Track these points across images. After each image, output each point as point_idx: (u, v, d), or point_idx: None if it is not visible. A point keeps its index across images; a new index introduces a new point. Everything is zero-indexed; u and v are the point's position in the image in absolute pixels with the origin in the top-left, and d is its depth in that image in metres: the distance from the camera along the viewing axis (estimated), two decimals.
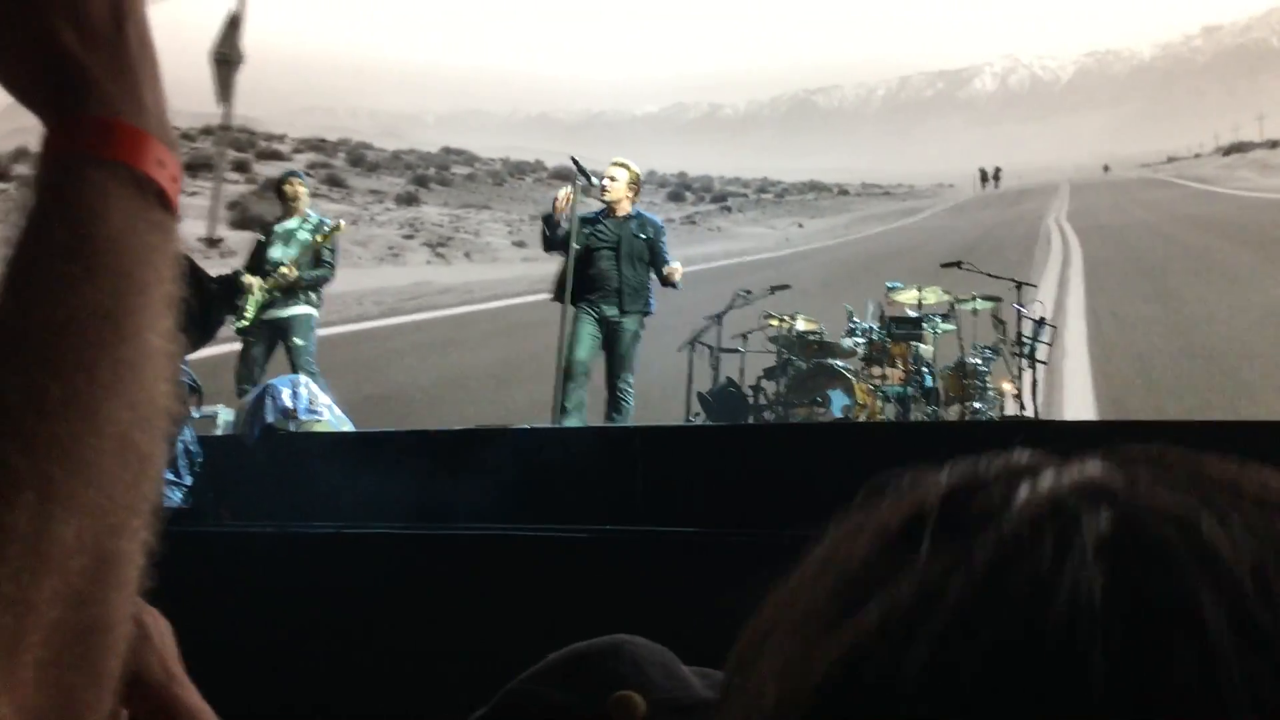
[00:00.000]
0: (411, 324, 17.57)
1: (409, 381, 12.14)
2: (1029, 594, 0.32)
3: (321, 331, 8.41)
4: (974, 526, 0.35)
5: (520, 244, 34.42)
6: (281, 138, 47.66)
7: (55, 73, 0.59)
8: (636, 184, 7.49)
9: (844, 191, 69.42)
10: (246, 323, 7.86)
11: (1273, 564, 0.32)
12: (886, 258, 25.52)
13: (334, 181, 39.89)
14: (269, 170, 37.80)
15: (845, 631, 0.34)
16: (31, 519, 0.49)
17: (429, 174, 45.78)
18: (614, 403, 7.29)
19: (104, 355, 0.54)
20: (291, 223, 8.15)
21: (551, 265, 7.54)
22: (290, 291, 7.95)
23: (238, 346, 8.00)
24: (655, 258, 7.33)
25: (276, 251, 8.02)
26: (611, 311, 7.22)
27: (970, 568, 0.33)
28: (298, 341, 7.89)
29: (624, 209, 7.35)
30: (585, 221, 7.32)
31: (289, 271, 7.88)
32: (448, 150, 57.96)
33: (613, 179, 7.33)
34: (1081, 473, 0.36)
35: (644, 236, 7.30)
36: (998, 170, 75.41)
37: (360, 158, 46.13)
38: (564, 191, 7.22)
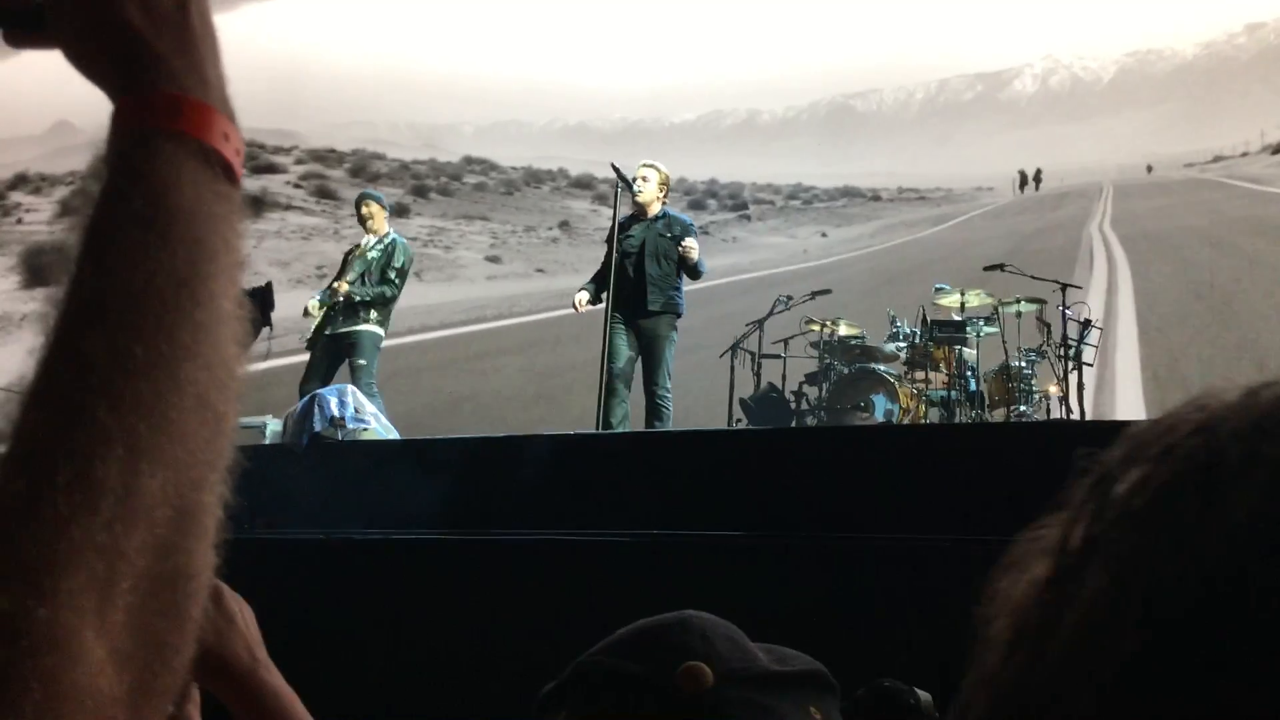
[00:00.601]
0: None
1: None
2: None
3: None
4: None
5: (494, 259, 33.44)
6: (289, 150, 47.58)
7: (124, 51, 0.61)
8: (666, 185, 7.54)
9: (876, 197, 67.79)
10: (309, 339, 7.99)
11: None
12: (905, 273, 23.81)
13: (324, 193, 39.32)
14: (265, 183, 38.00)
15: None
16: (121, 473, 0.52)
17: (431, 184, 45.06)
18: (653, 409, 7.28)
19: (182, 319, 0.56)
20: (368, 240, 8.26)
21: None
22: (352, 308, 8.01)
23: (290, 360, 8.09)
24: (685, 268, 7.34)
25: (353, 272, 8.13)
26: (640, 314, 7.23)
27: None
28: (360, 361, 7.90)
29: (654, 210, 7.40)
30: (620, 228, 7.35)
31: (340, 287, 7.98)
32: (469, 160, 57.93)
33: (644, 179, 7.38)
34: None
35: (670, 235, 7.30)
36: (1038, 172, 72.93)
37: (363, 168, 45.50)
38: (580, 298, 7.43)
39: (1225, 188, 47.62)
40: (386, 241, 8.24)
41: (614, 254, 7.15)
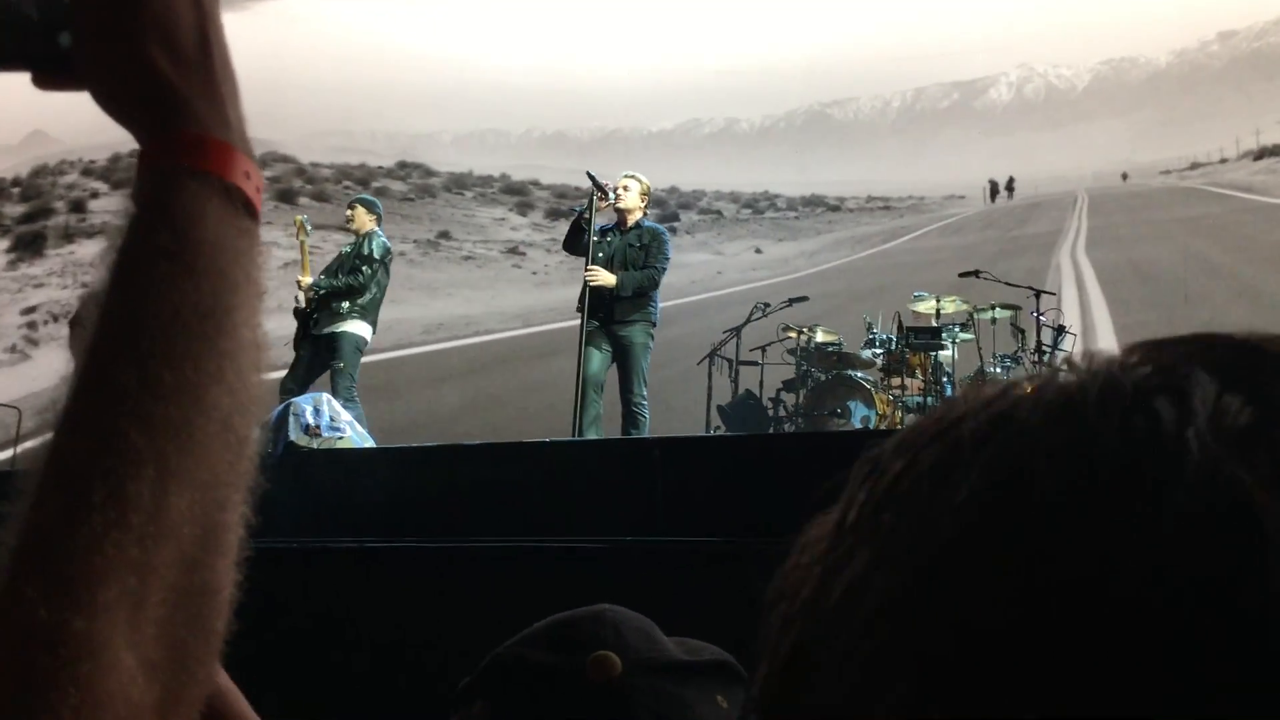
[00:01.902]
0: None
1: None
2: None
3: None
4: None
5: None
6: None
7: (150, 93, 0.65)
8: (648, 195, 7.60)
9: (836, 207, 66.28)
10: (294, 337, 7.95)
11: None
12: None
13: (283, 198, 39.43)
14: None
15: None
16: (152, 492, 0.55)
17: (332, 190, 44.29)
18: (629, 417, 7.32)
19: (207, 347, 0.60)
20: (346, 245, 8.33)
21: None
22: (328, 306, 7.95)
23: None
24: (648, 259, 7.38)
25: (325, 272, 8.16)
26: (617, 326, 7.27)
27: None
28: (339, 364, 7.85)
29: (633, 219, 7.45)
30: (605, 229, 7.44)
31: (303, 279, 7.95)
32: (403, 164, 57.66)
33: (625, 189, 7.43)
34: (1208, 408, 0.34)
35: (640, 245, 7.37)
36: (1011, 180, 71.72)
37: (279, 176, 44.99)
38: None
39: (1215, 198, 43.95)
40: (362, 236, 8.22)
41: (589, 262, 7.19)
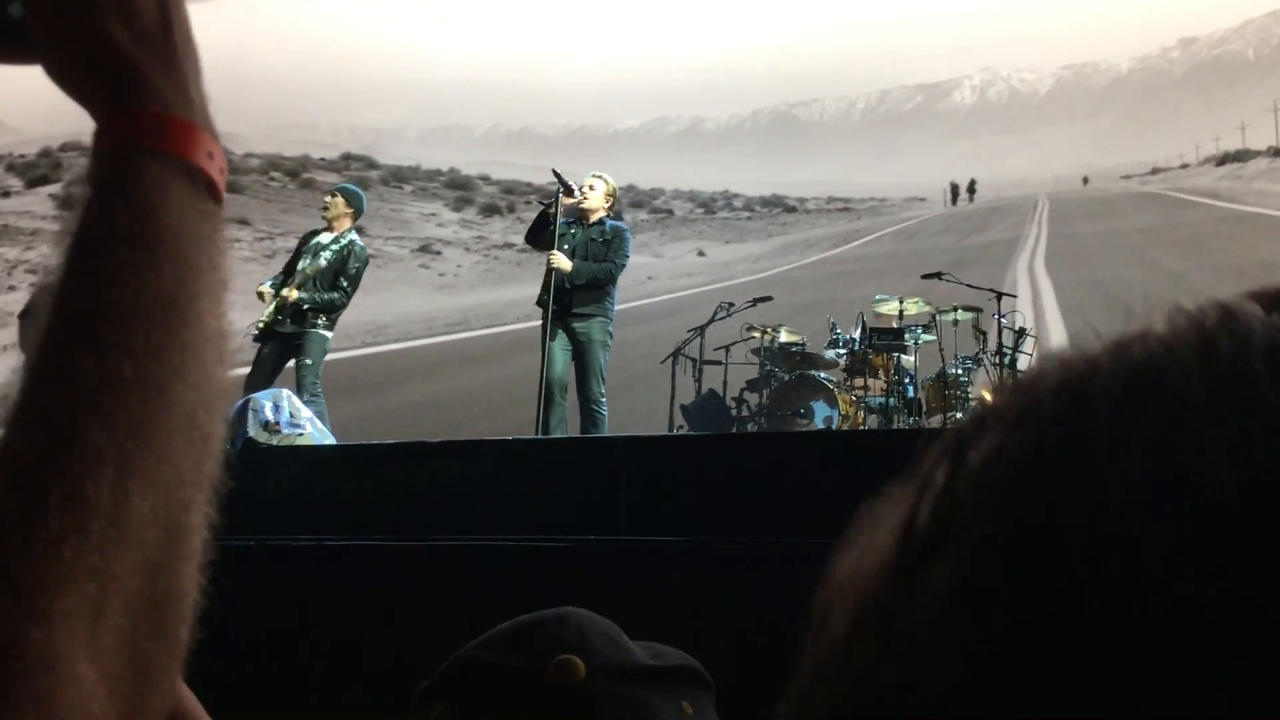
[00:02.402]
0: None
1: None
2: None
3: None
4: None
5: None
6: None
7: (109, 69, 0.61)
8: (614, 197, 7.73)
9: (792, 209, 65.08)
10: (259, 329, 7.81)
11: None
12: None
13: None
14: None
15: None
16: (112, 493, 0.52)
17: (255, 181, 43.66)
18: (588, 416, 7.40)
19: (170, 338, 0.56)
20: (325, 237, 8.12)
21: None
22: (300, 315, 7.89)
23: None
24: (608, 255, 7.47)
25: (303, 262, 7.99)
26: (577, 324, 7.36)
27: None
28: (306, 361, 7.83)
29: (595, 218, 7.56)
30: (567, 223, 7.53)
31: (289, 294, 7.84)
32: (347, 156, 57.06)
33: (591, 188, 7.54)
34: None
35: (602, 240, 7.47)
36: (973, 183, 71.86)
37: None
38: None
39: (1186, 205, 41.36)
40: (343, 244, 8.08)
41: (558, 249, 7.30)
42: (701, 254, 40.61)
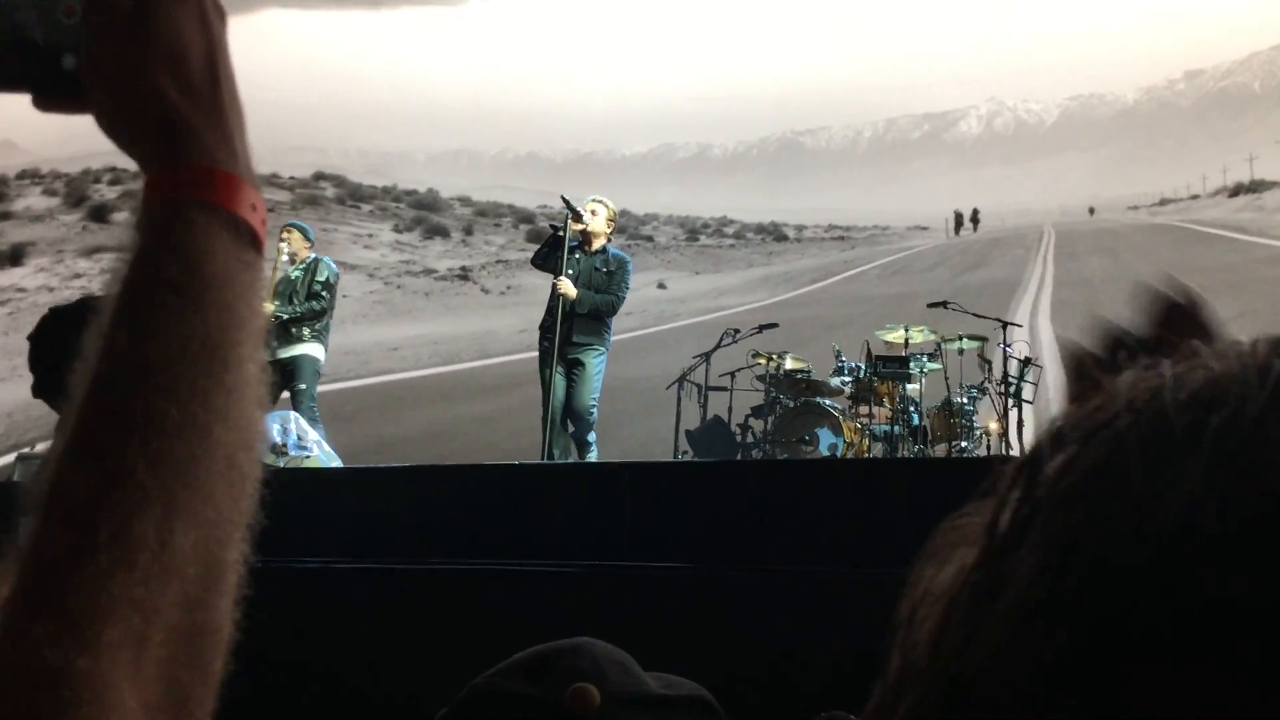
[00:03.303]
0: None
1: None
2: None
3: None
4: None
5: None
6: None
7: (159, 125, 0.64)
8: (614, 221, 7.80)
9: (781, 237, 62.73)
10: None
11: None
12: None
13: (95, 215, 38.71)
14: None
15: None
16: (157, 531, 0.55)
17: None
18: (580, 422, 7.48)
19: (214, 383, 0.59)
20: (288, 267, 8.35)
21: None
22: (286, 331, 8.03)
23: None
24: (611, 285, 7.55)
25: (274, 299, 8.17)
26: (572, 350, 7.42)
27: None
28: (300, 386, 7.98)
29: (598, 243, 7.63)
30: (571, 250, 7.57)
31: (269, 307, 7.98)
32: (320, 175, 56.78)
33: (593, 212, 7.61)
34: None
35: (605, 269, 7.54)
36: (975, 212, 69.80)
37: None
38: None
39: (1195, 236, 38.71)
40: (309, 261, 8.35)
41: (566, 274, 7.37)
42: (662, 286, 36.77)
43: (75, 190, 42.95)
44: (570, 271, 7.39)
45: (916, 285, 29.20)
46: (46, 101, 0.67)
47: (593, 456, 7.60)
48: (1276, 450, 0.32)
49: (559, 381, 7.35)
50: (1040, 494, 0.36)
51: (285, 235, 8.42)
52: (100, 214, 37.34)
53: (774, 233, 65.50)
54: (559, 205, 7.54)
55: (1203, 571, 0.31)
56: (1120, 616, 0.32)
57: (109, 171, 45.20)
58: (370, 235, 44.53)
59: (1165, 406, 0.35)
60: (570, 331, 7.36)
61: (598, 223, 7.58)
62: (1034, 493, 0.36)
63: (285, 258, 8.31)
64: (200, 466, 0.57)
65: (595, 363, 7.44)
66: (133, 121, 0.65)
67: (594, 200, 7.70)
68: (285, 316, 8.00)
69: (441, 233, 45.58)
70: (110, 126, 0.65)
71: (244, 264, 0.64)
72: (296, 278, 8.23)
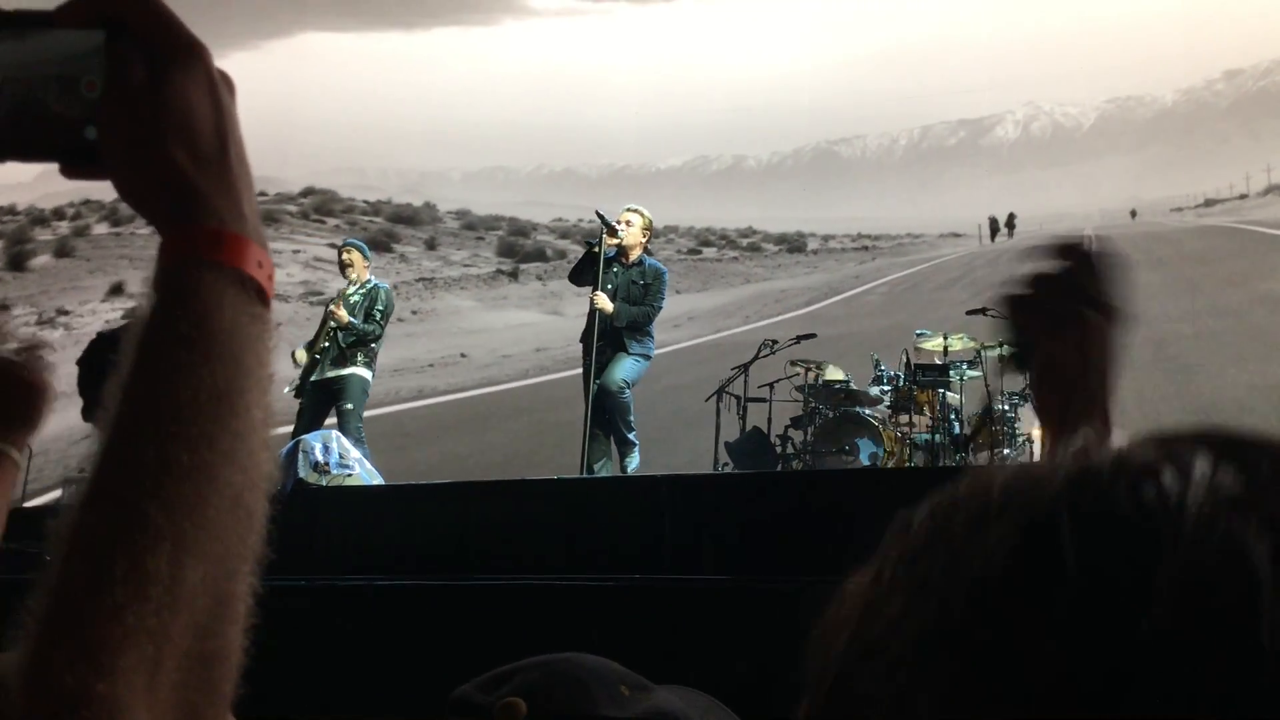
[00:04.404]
0: None
1: None
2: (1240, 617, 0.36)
3: None
4: (1115, 534, 0.39)
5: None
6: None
7: (172, 190, 0.69)
8: (650, 230, 7.80)
9: (797, 248, 58.17)
10: (296, 387, 8.09)
11: None
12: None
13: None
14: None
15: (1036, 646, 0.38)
16: (169, 565, 0.60)
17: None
18: (616, 438, 7.50)
19: (221, 428, 0.64)
20: (350, 289, 8.45)
21: None
22: (340, 353, 8.15)
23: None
24: (647, 298, 7.58)
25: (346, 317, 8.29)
26: (609, 363, 7.46)
27: (1164, 585, 0.37)
28: (347, 406, 8.08)
29: (635, 255, 7.64)
30: (610, 261, 7.62)
31: (337, 310, 8.19)
32: (311, 190, 56.17)
33: (628, 223, 7.62)
34: (1206, 478, 0.40)
35: (642, 281, 7.56)
36: (1011, 217, 67.30)
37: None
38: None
39: (1262, 239, 32.93)
40: (369, 286, 8.45)
41: (601, 288, 7.42)
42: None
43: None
44: (609, 286, 7.42)
45: (916, 314, 22.09)
46: (71, 170, 0.72)
47: (633, 461, 7.62)
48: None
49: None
50: (908, 548, 0.45)
51: (347, 256, 8.52)
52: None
53: (795, 243, 61.96)
54: (594, 219, 7.58)
55: (987, 625, 0.39)
56: (955, 652, 0.40)
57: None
58: (297, 251, 41.88)
59: (990, 492, 0.43)
60: (609, 346, 7.42)
61: (633, 233, 7.59)
62: (905, 547, 0.45)
63: (350, 285, 8.43)
64: (209, 506, 0.62)
65: (635, 349, 7.48)
66: (147, 188, 0.70)
67: (629, 210, 7.72)
68: (354, 338, 8.15)
69: (380, 245, 43.54)
70: (127, 192, 0.71)
71: (251, 317, 0.69)
72: (356, 301, 8.33)
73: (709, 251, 54.35)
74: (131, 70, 0.69)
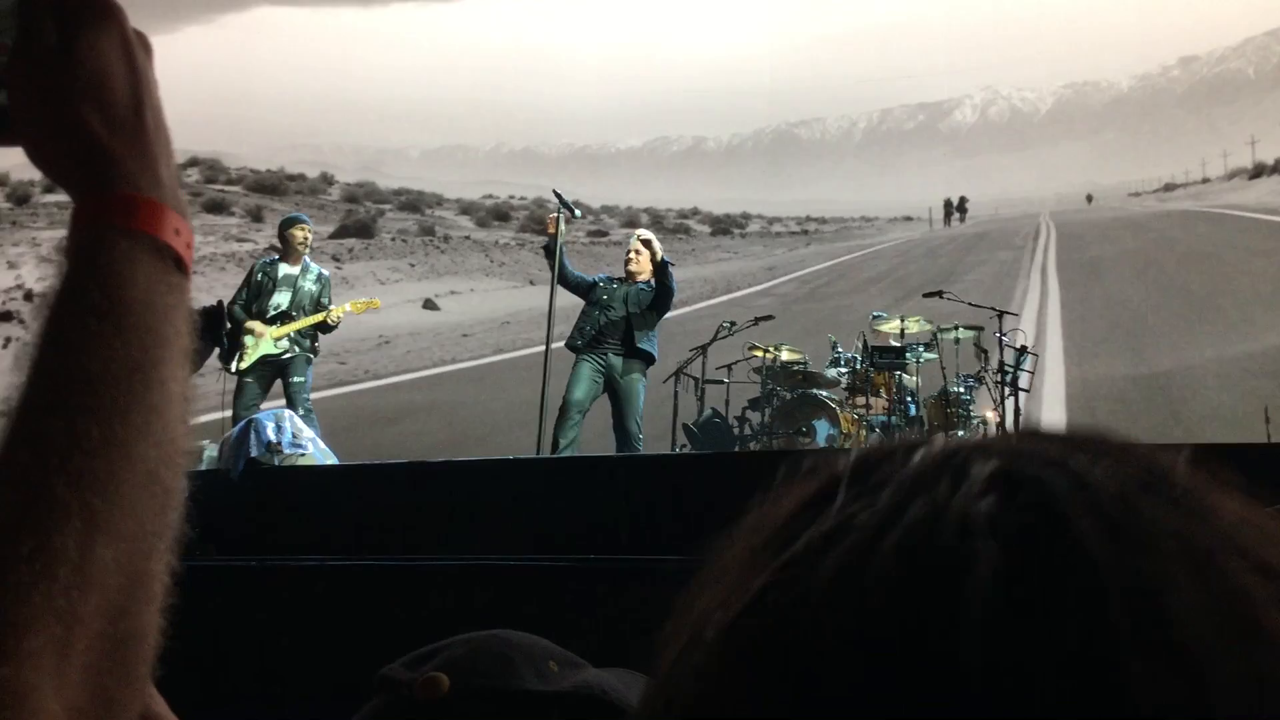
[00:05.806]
0: None
1: None
2: (924, 516, 0.36)
3: None
4: (881, 479, 0.40)
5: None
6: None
7: (84, 155, 0.67)
8: (657, 256, 7.72)
9: (724, 231, 56.28)
10: (245, 364, 7.88)
11: (1133, 487, 0.37)
12: None
13: None
14: None
15: (774, 562, 0.40)
16: (78, 544, 0.57)
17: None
18: (626, 442, 7.43)
19: (134, 402, 0.62)
20: (294, 269, 8.20)
21: None
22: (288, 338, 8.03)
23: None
24: (655, 299, 7.56)
25: (281, 298, 8.08)
26: (616, 361, 7.40)
27: (875, 503, 0.38)
28: (296, 379, 7.98)
29: (643, 278, 7.60)
30: (610, 279, 7.64)
31: (338, 312, 8.14)
32: (288, 177, 56.04)
33: (639, 253, 7.59)
34: (974, 438, 0.42)
35: (650, 287, 7.55)
36: (963, 201, 66.72)
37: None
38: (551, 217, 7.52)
39: (1233, 221, 32.21)
40: (316, 272, 8.32)
41: (554, 270, 7.42)
42: (430, 303, 27.49)
43: None
44: (615, 305, 7.43)
45: (839, 307, 20.61)
46: None
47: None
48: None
49: (585, 378, 7.33)
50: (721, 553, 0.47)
51: (302, 232, 8.28)
52: None
53: (734, 225, 59.32)
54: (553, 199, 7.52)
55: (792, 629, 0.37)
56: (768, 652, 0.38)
57: None
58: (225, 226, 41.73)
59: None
60: (626, 340, 7.41)
61: (644, 262, 7.56)
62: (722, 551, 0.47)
63: (284, 266, 8.19)
64: (121, 482, 0.59)
65: (644, 345, 7.46)
66: (58, 152, 0.68)
67: (639, 239, 7.69)
68: (302, 327, 8.03)
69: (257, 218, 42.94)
70: (38, 157, 0.68)
71: (168, 286, 0.66)
72: (308, 290, 8.15)
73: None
74: (42, 30, 0.67)
